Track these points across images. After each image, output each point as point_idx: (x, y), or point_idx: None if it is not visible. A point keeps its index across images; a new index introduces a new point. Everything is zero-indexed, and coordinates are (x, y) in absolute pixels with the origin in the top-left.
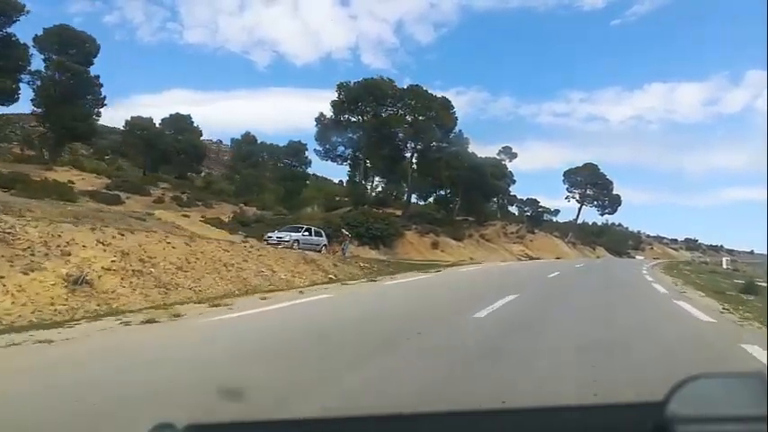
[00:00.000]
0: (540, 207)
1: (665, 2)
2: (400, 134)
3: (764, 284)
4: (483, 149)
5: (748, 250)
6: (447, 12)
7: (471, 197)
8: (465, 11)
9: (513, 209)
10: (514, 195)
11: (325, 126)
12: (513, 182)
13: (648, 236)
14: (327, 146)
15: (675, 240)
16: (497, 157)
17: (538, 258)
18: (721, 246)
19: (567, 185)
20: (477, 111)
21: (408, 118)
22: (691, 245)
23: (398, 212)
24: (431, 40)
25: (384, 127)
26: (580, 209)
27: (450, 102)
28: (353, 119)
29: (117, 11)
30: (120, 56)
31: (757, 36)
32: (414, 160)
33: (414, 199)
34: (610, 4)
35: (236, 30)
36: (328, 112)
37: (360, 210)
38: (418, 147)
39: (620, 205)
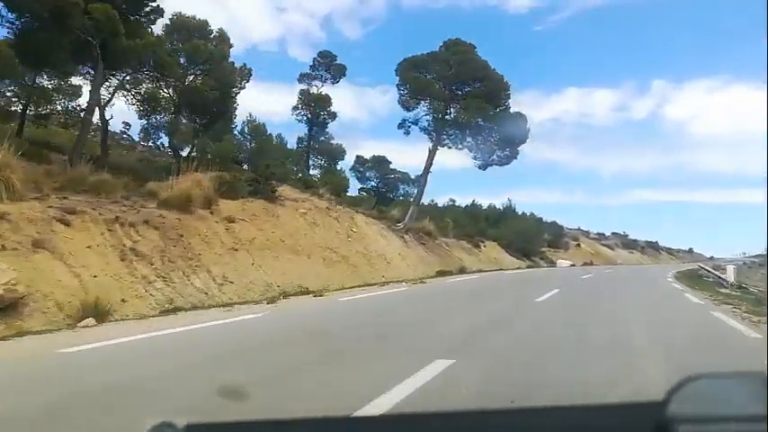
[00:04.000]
0: (394, 172)
1: (585, 12)
2: None
3: None
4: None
5: (686, 248)
6: (375, 9)
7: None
8: (392, 9)
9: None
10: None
11: None
12: (333, 116)
13: (570, 229)
14: None
15: (603, 235)
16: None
17: None
18: (657, 242)
19: (399, 95)
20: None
21: None
22: (626, 241)
23: None
24: (358, 36)
25: None
26: (432, 153)
27: None
28: None
29: None
30: None
31: (663, 47)
32: None
33: None
34: (533, 10)
35: None
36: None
37: None
38: None
39: (522, 142)
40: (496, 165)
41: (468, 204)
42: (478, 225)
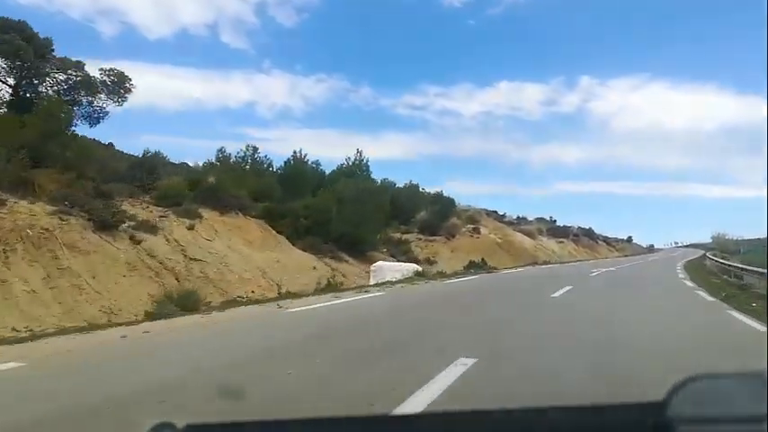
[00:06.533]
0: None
1: (517, 7)
2: None
3: None
4: (349, 136)
5: (624, 237)
6: None
7: None
8: None
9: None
10: None
11: None
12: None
13: (470, 207)
14: None
15: (524, 219)
16: None
17: None
18: (591, 229)
19: None
20: (338, 99)
21: None
22: (554, 228)
23: None
24: (292, 24)
25: None
26: None
27: None
28: None
29: None
30: None
31: (590, 44)
32: None
33: None
34: (467, 5)
35: None
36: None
37: None
38: None
39: None
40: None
41: (288, 160)
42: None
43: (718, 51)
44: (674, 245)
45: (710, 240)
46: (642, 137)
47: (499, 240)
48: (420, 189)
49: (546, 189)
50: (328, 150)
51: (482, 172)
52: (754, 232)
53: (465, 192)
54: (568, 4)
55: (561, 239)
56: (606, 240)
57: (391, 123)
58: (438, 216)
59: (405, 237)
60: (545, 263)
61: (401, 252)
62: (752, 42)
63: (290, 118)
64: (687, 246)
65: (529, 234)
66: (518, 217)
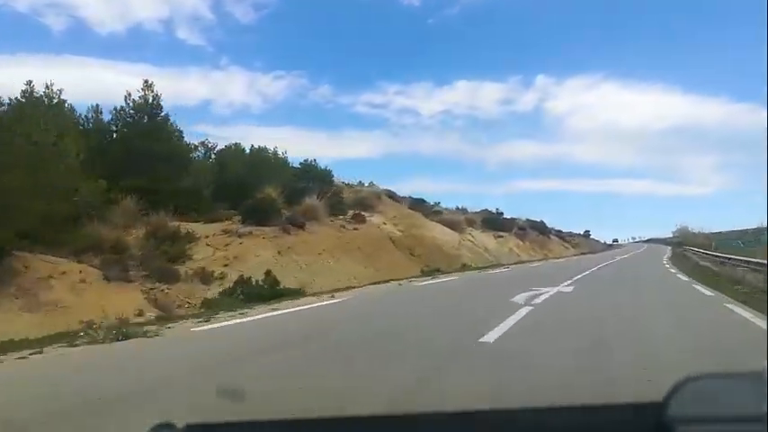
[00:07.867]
0: None
1: (475, 6)
2: None
3: None
4: (308, 134)
5: (580, 232)
6: None
7: None
8: None
9: None
10: None
11: None
12: None
13: (363, 186)
14: None
15: (464, 210)
16: None
17: None
18: (542, 221)
19: None
20: (297, 96)
21: None
22: (493, 219)
23: None
24: (250, 20)
25: None
26: None
27: None
28: None
29: None
30: None
31: (547, 44)
32: None
33: None
34: (425, 3)
35: None
36: None
37: None
38: None
39: None
40: None
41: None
42: None
43: (663, 53)
44: (631, 240)
45: (672, 235)
46: (597, 135)
47: (398, 233)
48: (281, 157)
49: (505, 187)
50: (288, 148)
51: (443, 171)
52: (710, 226)
53: (426, 191)
54: (525, 3)
55: (501, 234)
56: (560, 235)
57: (352, 122)
58: (289, 196)
59: (194, 229)
60: (464, 267)
61: (167, 259)
62: (693, 45)
63: (248, 115)
64: (647, 241)
65: (453, 225)
66: (458, 208)
